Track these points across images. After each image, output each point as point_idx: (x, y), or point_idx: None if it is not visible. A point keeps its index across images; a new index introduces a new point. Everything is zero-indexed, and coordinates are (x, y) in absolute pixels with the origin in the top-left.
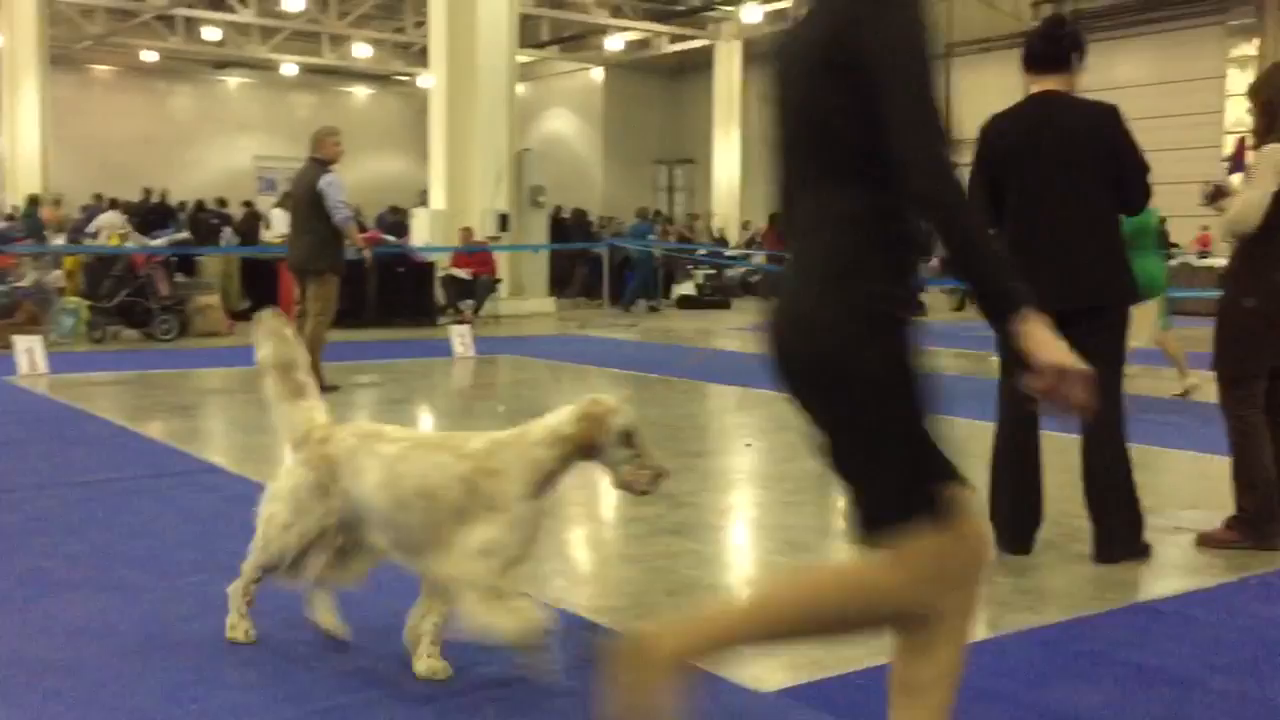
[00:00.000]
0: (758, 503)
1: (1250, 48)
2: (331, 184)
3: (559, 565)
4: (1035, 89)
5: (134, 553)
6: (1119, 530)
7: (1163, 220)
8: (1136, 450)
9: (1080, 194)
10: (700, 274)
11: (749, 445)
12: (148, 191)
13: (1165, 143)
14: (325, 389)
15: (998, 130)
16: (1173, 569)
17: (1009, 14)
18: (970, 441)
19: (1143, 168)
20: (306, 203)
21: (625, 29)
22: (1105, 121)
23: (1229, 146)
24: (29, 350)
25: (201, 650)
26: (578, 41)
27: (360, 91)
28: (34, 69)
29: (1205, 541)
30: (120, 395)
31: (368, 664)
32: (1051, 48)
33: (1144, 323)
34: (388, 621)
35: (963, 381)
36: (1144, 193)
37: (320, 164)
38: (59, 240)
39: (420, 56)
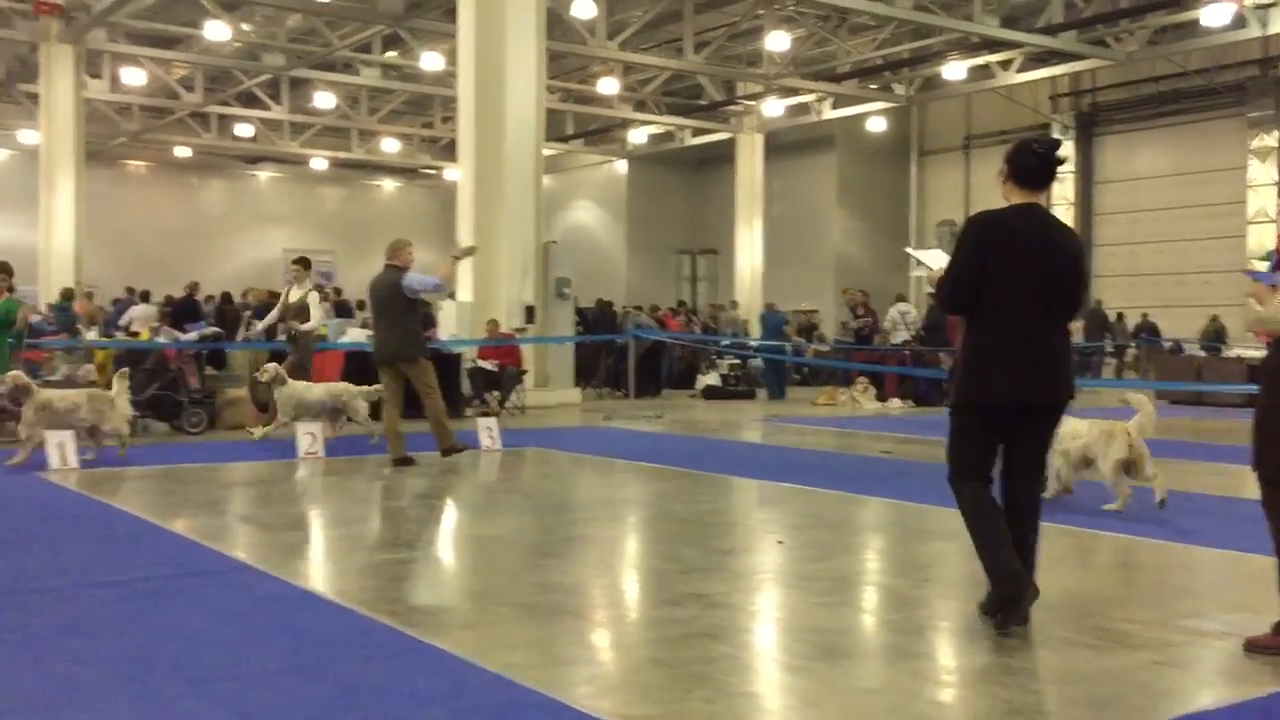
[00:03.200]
0: (791, 604)
1: (1271, 139)
2: (410, 276)
3: (587, 670)
4: (1018, 199)
5: (165, 657)
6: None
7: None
8: (1175, 549)
9: (1051, 301)
10: (725, 364)
11: (780, 543)
12: (193, 285)
13: (1187, 233)
14: (453, 450)
15: (998, 229)
16: (1218, 676)
17: (1028, 107)
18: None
19: (1086, 288)
20: (391, 302)
21: (648, 123)
22: (1075, 244)
23: (1253, 237)
24: (60, 445)
25: None
26: (602, 134)
27: (387, 184)
28: (70, 165)
29: (1252, 647)
30: (149, 490)
31: None
32: (1049, 170)
33: None
34: None
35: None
36: (1079, 309)
37: (397, 270)
38: (91, 334)
39: (446, 150)
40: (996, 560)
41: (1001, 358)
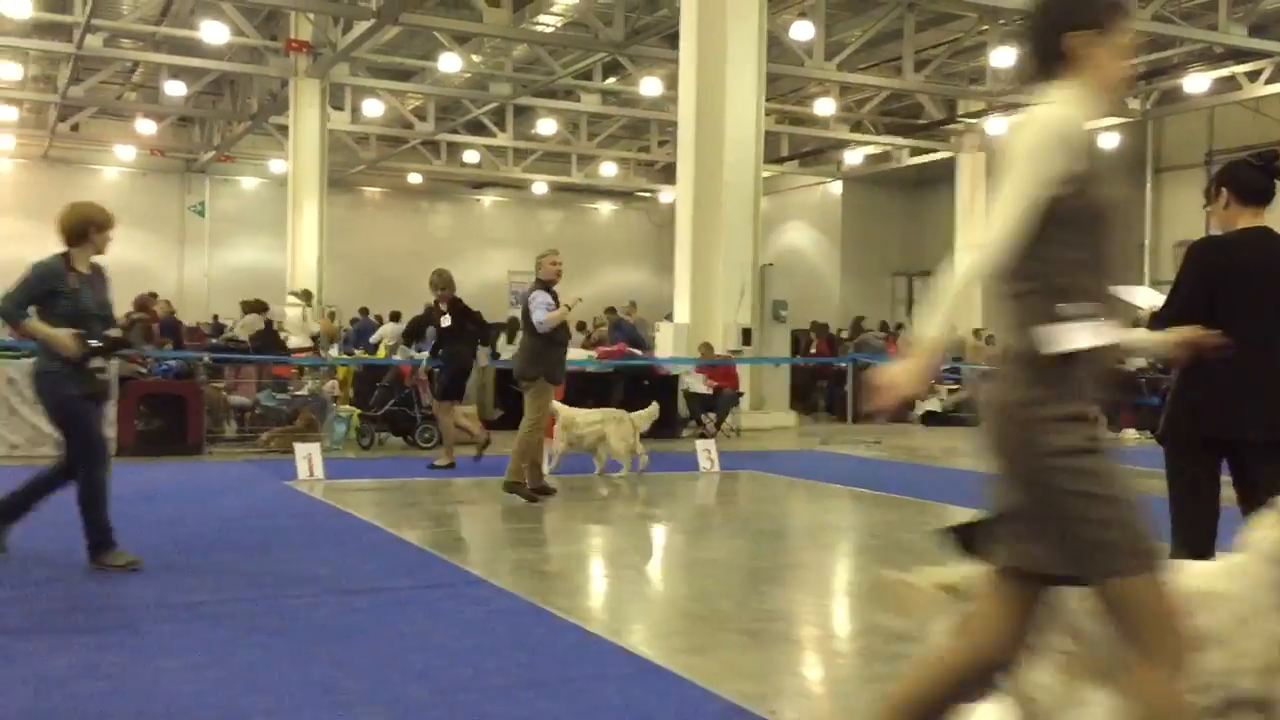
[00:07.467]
0: None
1: None
2: (533, 299)
3: (823, 704)
4: (1244, 222)
5: (411, 666)
6: None
7: None
8: None
9: None
10: (944, 389)
11: None
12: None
13: None
14: (540, 491)
15: (1223, 256)
16: None
17: (1278, 120)
18: None
19: None
20: (524, 319)
21: (865, 143)
22: None
23: None
24: (308, 456)
25: None
26: (816, 155)
27: (604, 207)
28: (314, 192)
29: None
30: (388, 502)
31: None
32: (1268, 183)
33: None
34: None
35: None
36: None
37: (541, 284)
38: (333, 351)
39: (662, 173)
40: None
41: (1221, 392)
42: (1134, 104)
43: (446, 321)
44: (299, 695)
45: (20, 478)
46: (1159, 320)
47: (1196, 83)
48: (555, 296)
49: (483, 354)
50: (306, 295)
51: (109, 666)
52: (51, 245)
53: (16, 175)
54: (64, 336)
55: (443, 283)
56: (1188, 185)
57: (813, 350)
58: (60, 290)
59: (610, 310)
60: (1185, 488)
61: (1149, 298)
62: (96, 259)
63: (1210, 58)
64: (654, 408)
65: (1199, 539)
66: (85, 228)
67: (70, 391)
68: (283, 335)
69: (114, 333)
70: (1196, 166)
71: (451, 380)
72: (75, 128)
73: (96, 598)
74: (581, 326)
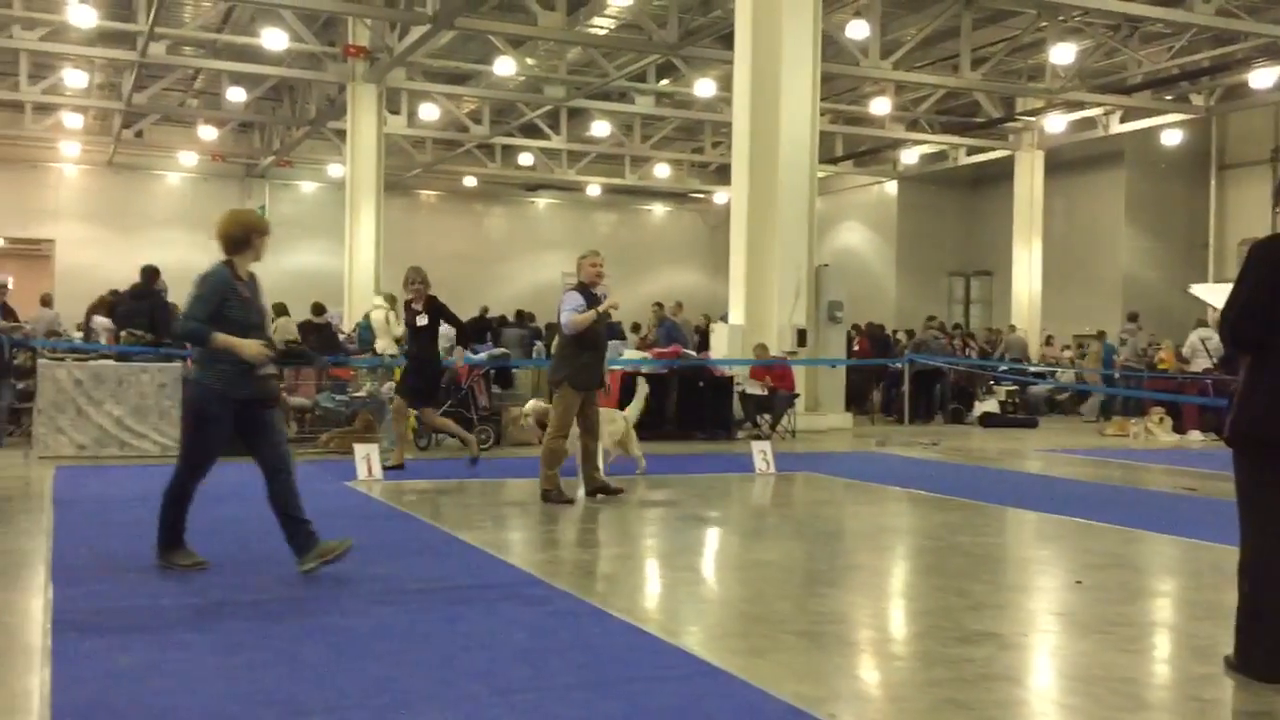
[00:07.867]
0: (1094, 650)
1: None
2: (565, 300)
3: (885, 707)
4: None
5: (471, 665)
6: None
7: None
8: None
9: None
10: (1003, 390)
11: (1079, 583)
12: (484, 309)
13: None
14: (600, 491)
15: None
16: None
17: None
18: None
19: None
20: (557, 320)
21: (921, 142)
22: None
23: None
24: (366, 457)
25: None
26: (872, 155)
27: (658, 209)
28: (372, 195)
29: None
30: (445, 502)
31: None
32: None
33: None
34: None
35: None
36: None
37: (581, 286)
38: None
39: (716, 174)
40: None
41: None
42: (1198, 100)
43: (423, 321)
44: (359, 693)
45: (87, 477)
46: (1223, 319)
47: (1262, 78)
48: (592, 299)
49: (459, 354)
50: (391, 300)
51: (174, 663)
52: (115, 250)
53: (82, 181)
54: (252, 345)
55: (419, 280)
56: (1253, 183)
57: (855, 349)
58: (231, 299)
59: (658, 305)
60: (1254, 490)
61: (1223, 297)
62: (252, 266)
63: (1276, 52)
64: (641, 396)
65: (1269, 542)
66: (248, 234)
67: (214, 410)
68: (341, 336)
69: (280, 342)
70: (1262, 163)
71: (429, 382)
72: (139, 134)
73: (162, 596)
74: (636, 328)
